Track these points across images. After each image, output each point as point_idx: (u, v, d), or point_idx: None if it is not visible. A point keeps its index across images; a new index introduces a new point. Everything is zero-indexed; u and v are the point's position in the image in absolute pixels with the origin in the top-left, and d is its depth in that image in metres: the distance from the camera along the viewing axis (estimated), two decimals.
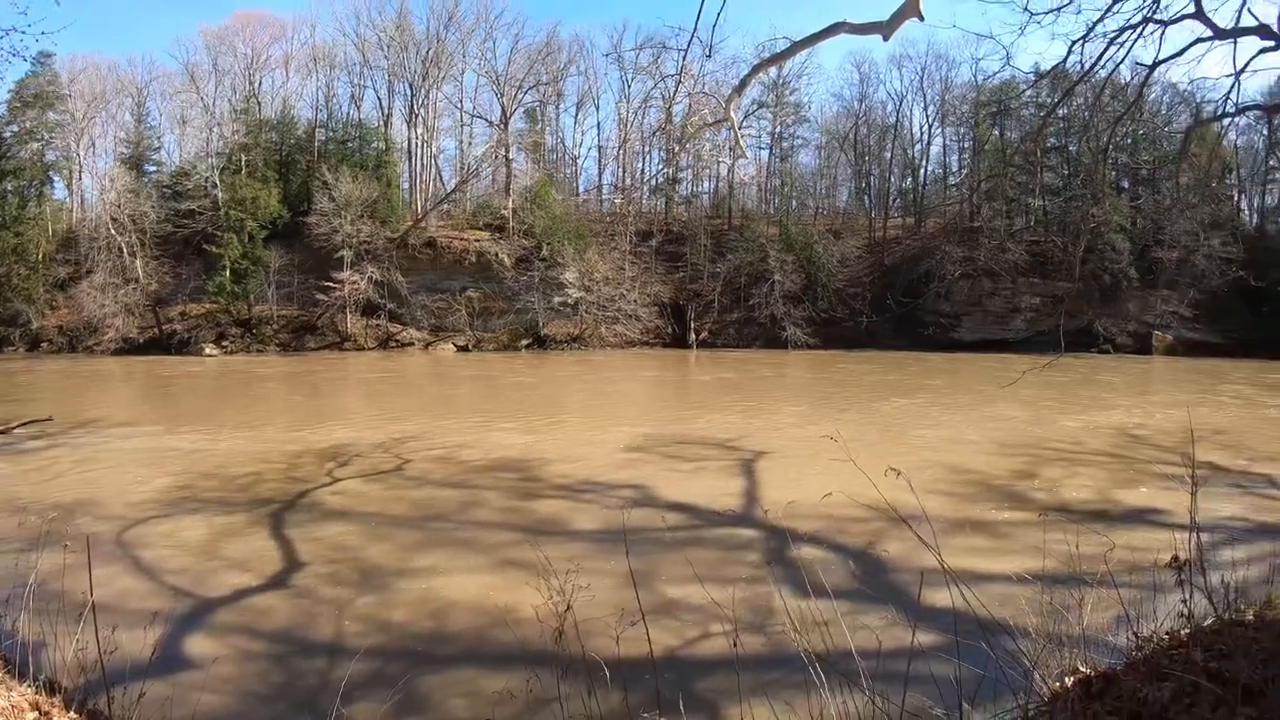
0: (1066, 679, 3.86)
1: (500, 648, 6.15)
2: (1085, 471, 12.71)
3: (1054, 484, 11.80)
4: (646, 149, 60.64)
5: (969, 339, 47.82)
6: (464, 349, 46.47)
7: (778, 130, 58.21)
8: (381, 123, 55.52)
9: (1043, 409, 20.16)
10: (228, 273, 45.27)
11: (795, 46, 8.56)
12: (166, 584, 7.59)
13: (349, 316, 46.39)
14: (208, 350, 43.56)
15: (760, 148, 58.08)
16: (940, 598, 4.57)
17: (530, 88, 56.01)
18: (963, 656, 3.72)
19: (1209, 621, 4.13)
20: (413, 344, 46.84)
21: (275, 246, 46.99)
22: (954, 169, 60.68)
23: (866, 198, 60.95)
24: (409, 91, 55.00)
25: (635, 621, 3.73)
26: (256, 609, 7.10)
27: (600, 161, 63.25)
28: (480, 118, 57.41)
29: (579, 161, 63.74)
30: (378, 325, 47.18)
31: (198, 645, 6.27)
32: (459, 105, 57.33)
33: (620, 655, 3.86)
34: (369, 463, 13.55)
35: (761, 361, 39.01)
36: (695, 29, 7.59)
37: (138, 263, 46.03)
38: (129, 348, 43.78)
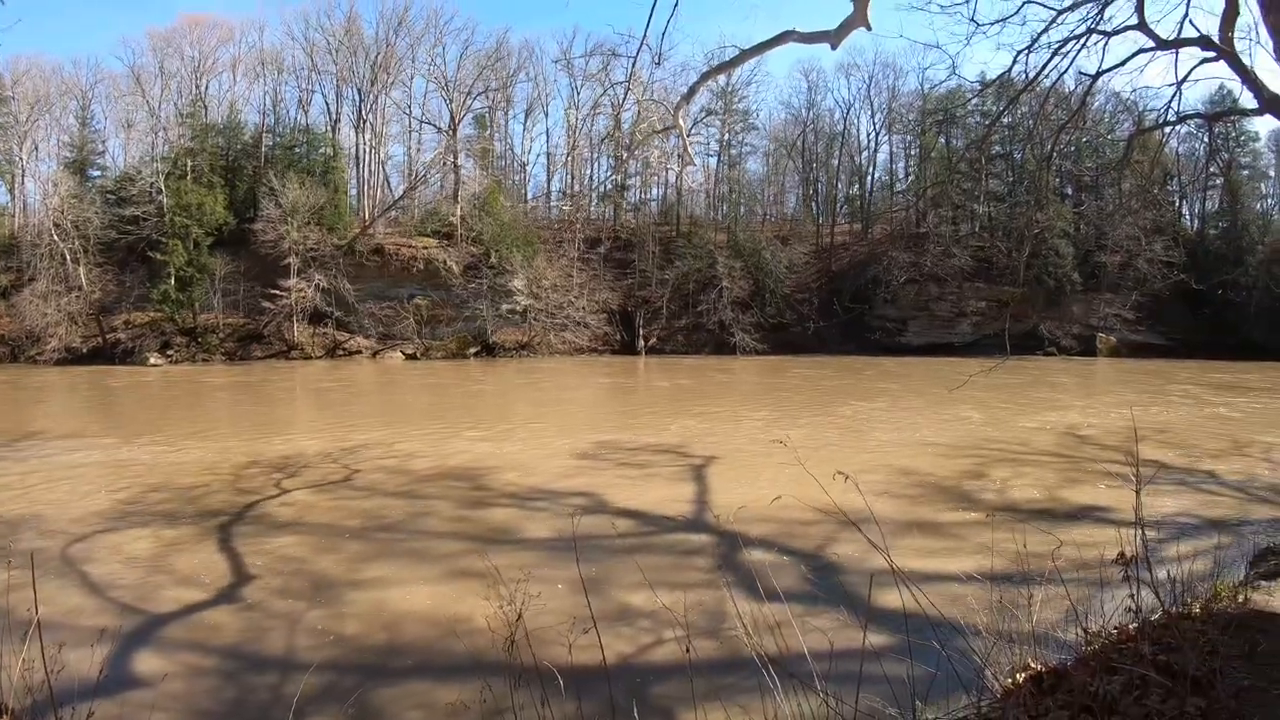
0: (1018, 675, 3.87)
1: (453, 659, 6.08)
2: (1033, 471, 12.92)
3: (1003, 484, 11.96)
4: (595, 156, 60.72)
5: (916, 343, 48.68)
6: (412, 357, 45.93)
7: (726, 137, 58.68)
8: (329, 128, 54.76)
9: (994, 411, 20.52)
10: (173, 280, 44.20)
11: (744, 54, 8.59)
12: (114, 600, 7.39)
13: (296, 325, 45.58)
14: (152, 360, 42.36)
15: (709, 155, 58.55)
16: (891, 599, 4.56)
17: (479, 94, 55.73)
18: (915, 656, 3.70)
19: (1156, 615, 4.17)
20: (360, 352, 46.16)
21: (221, 254, 46.01)
22: (900, 176, 61.79)
23: (814, 204, 61.67)
24: (357, 97, 54.38)
25: (588, 629, 3.67)
26: (207, 624, 6.94)
27: (549, 168, 63.11)
28: (429, 124, 57.02)
29: (528, 168, 63.52)
30: (325, 334, 46.43)
31: (147, 662, 6.10)
32: (408, 111, 56.85)
33: (573, 663, 3.79)
34: (318, 473, 13.28)
35: (711, 367, 39.20)
36: (645, 36, 7.57)
37: (81, 270, 44.67)
38: (72, 358, 42.42)
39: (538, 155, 63.83)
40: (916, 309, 50.14)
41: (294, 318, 45.41)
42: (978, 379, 10.48)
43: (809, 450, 13.95)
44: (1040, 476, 12.48)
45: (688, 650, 3.97)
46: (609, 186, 57.23)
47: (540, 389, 30.84)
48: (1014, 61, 9.13)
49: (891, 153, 61.82)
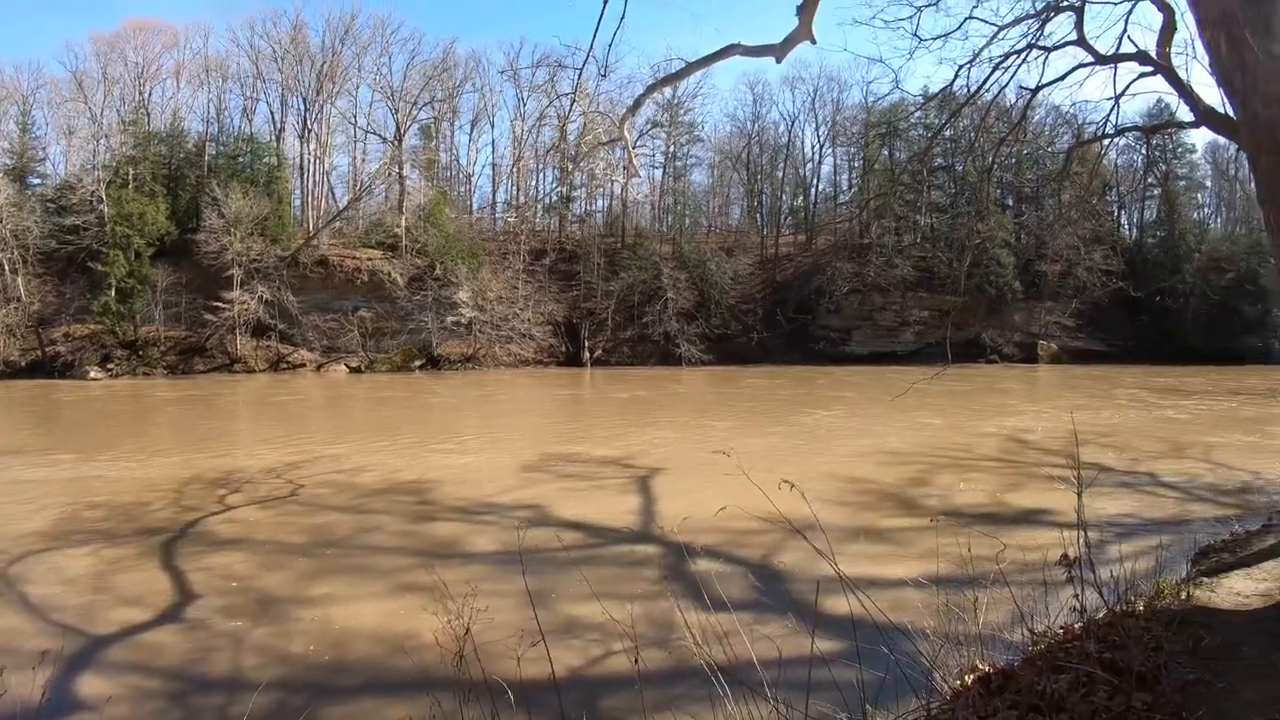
0: (966, 677, 3.87)
1: (401, 675, 6.03)
2: (979, 477, 13.13)
3: (949, 489, 12.13)
4: (541, 167, 60.39)
5: (860, 352, 49.40)
6: (357, 370, 45.11)
7: (671, 149, 58.88)
8: (274, 137, 53.55)
9: (945, 417, 20.84)
10: (113, 292, 42.63)
11: (690, 67, 8.60)
12: (55, 621, 7.18)
13: (239, 338, 44.48)
14: (92, 373, 40.86)
15: (654, 167, 58.72)
16: (839, 605, 4.54)
17: (425, 104, 55.14)
18: (864, 661, 3.69)
19: (1101, 614, 4.21)
20: (304, 365, 45.18)
21: (163, 265, 44.61)
22: (844, 188, 62.66)
23: (759, 216, 62.08)
24: (302, 106, 53.41)
25: (536, 642, 3.64)
26: (151, 644, 6.79)
27: (494, 179, 62.45)
28: (374, 134, 56.19)
29: (473, 179, 62.83)
30: (268, 346, 45.35)
31: (91, 685, 5.96)
32: (353, 121, 56.01)
33: (522, 677, 3.74)
34: (262, 489, 12.98)
35: (661, 378, 39.25)
36: (591, 48, 7.53)
37: (20, 281, 42.97)
38: (10, 371, 40.69)
39: (483, 167, 63.48)
40: (860, 319, 50.87)
41: (237, 330, 44.30)
42: (928, 387, 10.59)
43: (759, 459, 14.00)
44: (986, 481, 12.68)
45: (636, 661, 3.90)
46: (554, 198, 57.03)
47: (485, 401, 30.56)
48: (956, 75, 9.30)
49: (835, 165, 62.78)
